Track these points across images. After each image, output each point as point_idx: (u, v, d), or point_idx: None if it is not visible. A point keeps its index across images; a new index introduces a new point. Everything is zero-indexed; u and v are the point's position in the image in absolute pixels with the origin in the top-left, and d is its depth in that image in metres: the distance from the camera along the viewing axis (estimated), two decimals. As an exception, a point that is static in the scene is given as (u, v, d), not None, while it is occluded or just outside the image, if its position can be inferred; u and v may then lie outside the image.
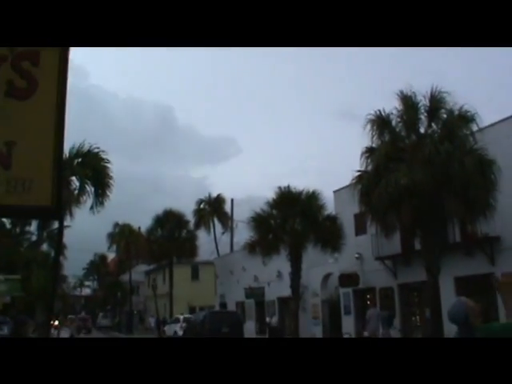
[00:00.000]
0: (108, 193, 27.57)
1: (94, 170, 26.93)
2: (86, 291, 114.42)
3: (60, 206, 4.69)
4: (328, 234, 30.07)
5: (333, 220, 30.80)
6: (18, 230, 52.40)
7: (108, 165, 27.55)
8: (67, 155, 27.08)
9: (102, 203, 27.57)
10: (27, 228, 53.08)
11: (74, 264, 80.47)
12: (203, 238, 63.82)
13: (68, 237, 31.92)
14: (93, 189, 27.26)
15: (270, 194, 31.11)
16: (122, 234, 70.69)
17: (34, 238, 53.44)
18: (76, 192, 26.89)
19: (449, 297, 26.24)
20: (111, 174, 27.65)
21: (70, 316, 74.02)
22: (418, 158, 20.79)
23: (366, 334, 30.68)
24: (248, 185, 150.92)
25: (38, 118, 4.54)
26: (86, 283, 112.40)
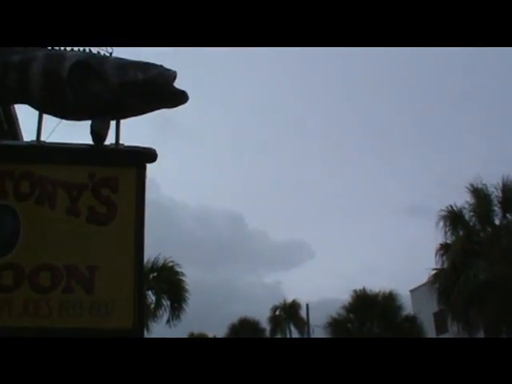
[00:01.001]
0: (184, 306, 27.73)
1: (169, 283, 27.24)
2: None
3: (141, 327, 4.75)
4: (408, 335, 29.24)
5: (412, 320, 30.00)
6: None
7: (183, 278, 27.86)
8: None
9: (178, 316, 27.70)
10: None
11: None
12: (280, 347, 62.83)
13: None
14: (169, 302, 27.47)
15: (345, 297, 30.77)
16: (198, 346, 70.25)
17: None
18: (152, 306, 27.12)
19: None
20: (186, 287, 27.89)
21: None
22: (496, 251, 20.29)
23: None
24: (322, 287, 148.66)
25: (118, 242, 4.68)
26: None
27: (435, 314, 31.35)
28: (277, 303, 66.93)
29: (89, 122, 4.62)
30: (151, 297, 27.30)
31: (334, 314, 30.69)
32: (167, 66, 4.91)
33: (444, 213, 22.51)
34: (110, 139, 4.69)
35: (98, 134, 4.65)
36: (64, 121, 4.67)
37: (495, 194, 22.19)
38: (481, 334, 25.29)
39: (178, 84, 4.81)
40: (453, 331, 28.45)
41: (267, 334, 61.02)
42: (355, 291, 30.33)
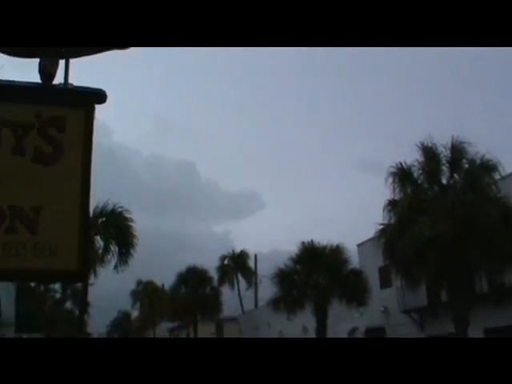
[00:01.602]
0: (132, 252, 27.77)
1: (118, 229, 27.20)
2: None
3: (85, 269, 4.74)
4: (353, 288, 29.82)
5: (357, 274, 30.56)
6: (41, 288, 52.55)
7: (132, 224, 27.84)
8: (91, 215, 27.40)
9: (125, 262, 27.77)
10: (51, 286, 53.21)
11: (98, 321, 79.91)
12: (227, 294, 63.50)
13: (92, 294, 31.92)
14: (117, 248, 27.48)
15: (294, 249, 30.96)
16: (146, 292, 70.61)
17: (57, 295, 53.51)
18: (100, 251, 27.10)
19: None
20: (135, 233, 27.90)
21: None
22: (441, 209, 20.70)
23: None
24: (272, 239, 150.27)
25: (64, 183, 4.62)
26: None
27: (380, 269, 31.98)
28: (226, 253, 67.56)
29: (37, 61, 4.49)
30: (99, 242, 27.27)
31: (282, 266, 31.04)
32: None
33: (393, 170, 22.80)
34: (58, 79, 4.56)
35: (47, 72, 4.52)
36: (12, 58, 4.55)
37: (444, 153, 22.51)
38: (422, 289, 25.98)
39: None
40: (396, 286, 29.20)
41: (215, 282, 61.58)
42: (303, 243, 30.67)
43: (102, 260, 27.16)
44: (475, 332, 24.16)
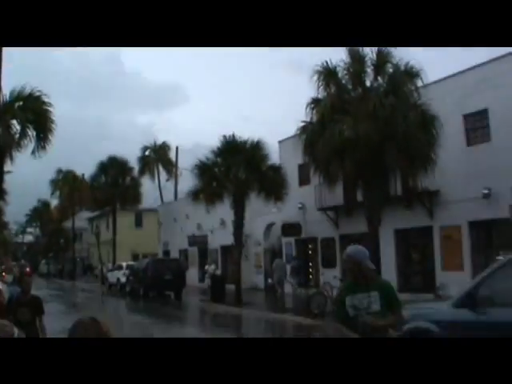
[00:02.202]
0: (50, 137, 27.14)
1: (35, 113, 26.42)
2: (29, 238, 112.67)
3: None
4: (271, 183, 30.19)
5: (276, 170, 30.87)
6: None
7: (50, 109, 27.08)
8: (7, 98, 26.52)
9: (43, 147, 27.15)
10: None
11: (16, 210, 78.93)
12: (147, 186, 63.50)
13: (10, 182, 31.15)
14: (34, 133, 26.79)
15: (217, 143, 30.90)
16: (66, 181, 69.73)
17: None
18: (17, 136, 26.38)
19: (388, 247, 26.96)
20: (53, 118, 27.20)
21: (12, 263, 72.93)
22: (363, 111, 20.91)
23: (270, 281, 32.40)
24: (195, 133, 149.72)
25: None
26: (29, 230, 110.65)
27: (300, 166, 32.41)
28: (148, 144, 67.02)
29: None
30: (16, 126, 26.47)
31: (203, 158, 31.05)
32: None
33: (319, 68, 22.72)
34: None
35: None
36: None
37: (370, 56, 22.52)
38: (340, 188, 26.62)
39: None
40: (314, 183, 29.78)
41: (135, 173, 61.29)
42: (224, 136, 30.63)
43: (18, 145, 26.46)
44: (386, 232, 25.18)
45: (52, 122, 27.03)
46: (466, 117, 24.15)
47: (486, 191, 22.85)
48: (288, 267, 30.66)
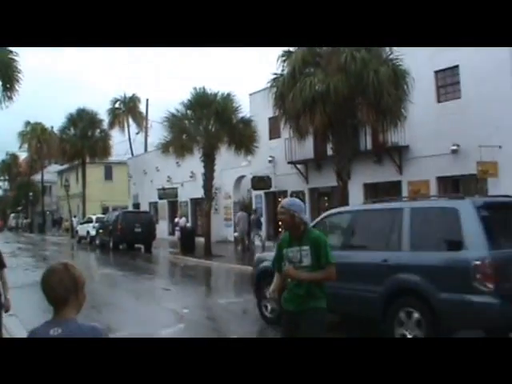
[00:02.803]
0: (17, 87, 26.68)
1: (0, 63, 25.90)
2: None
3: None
4: (242, 136, 30.12)
5: (247, 123, 30.75)
6: None
7: (16, 58, 26.55)
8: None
9: (10, 98, 26.69)
10: None
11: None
12: (117, 138, 62.97)
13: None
14: (0, 83, 26.30)
15: (188, 96, 30.60)
16: (34, 133, 68.86)
17: None
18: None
19: (357, 202, 27.18)
20: (20, 67, 26.70)
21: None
22: (334, 65, 20.84)
23: (235, 234, 32.63)
24: (167, 87, 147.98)
25: None
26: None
27: (270, 119, 32.36)
28: (118, 96, 66.27)
29: None
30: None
31: (174, 111, 30.79)
32: None
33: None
34: None
35: None
36: None
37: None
38: (310, 142, 26.63)
39: None
40: (284, 137, 29.78)
41: (105, 125, 60.68)
42: (194, 89, 30.35)
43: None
44: (355, 186, 25.33)
45: (19, 72, 26.55)
46: (437, 73, 24.18)
47: (454, 147, 23.05)
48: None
